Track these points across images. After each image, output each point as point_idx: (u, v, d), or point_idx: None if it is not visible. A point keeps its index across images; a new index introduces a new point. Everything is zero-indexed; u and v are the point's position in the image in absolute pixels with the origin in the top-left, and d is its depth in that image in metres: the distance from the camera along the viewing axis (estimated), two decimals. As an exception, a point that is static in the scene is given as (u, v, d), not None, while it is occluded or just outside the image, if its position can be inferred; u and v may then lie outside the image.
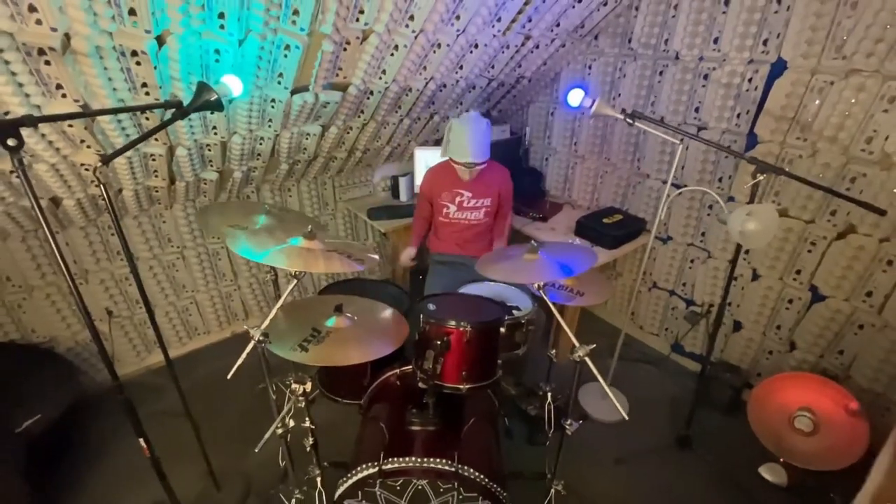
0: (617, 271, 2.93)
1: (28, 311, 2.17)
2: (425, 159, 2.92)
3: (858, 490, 1.59)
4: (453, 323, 1.49)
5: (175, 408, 1.75)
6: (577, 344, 1.35)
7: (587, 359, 1.33)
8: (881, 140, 1.73)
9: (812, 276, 2.04)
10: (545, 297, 1.42)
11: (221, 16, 1.36)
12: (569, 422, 1.51)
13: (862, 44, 1.69)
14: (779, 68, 1.92)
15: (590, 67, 2.65)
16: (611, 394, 1.27)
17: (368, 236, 3.30)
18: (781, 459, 1.98)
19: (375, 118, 2.33)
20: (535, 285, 1.48)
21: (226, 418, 2.29)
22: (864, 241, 1.86)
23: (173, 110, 1.29)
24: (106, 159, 1.19)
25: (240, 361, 1.28)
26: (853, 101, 1.76)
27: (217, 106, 1.36)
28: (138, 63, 1.38)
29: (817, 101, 1.85)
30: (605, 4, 2.24)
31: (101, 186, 1.23)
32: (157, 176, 2.03)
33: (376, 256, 1.44)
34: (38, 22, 1.15)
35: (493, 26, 2.01)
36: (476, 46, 2.10)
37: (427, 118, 2.62)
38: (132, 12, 1.23)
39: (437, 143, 3.05)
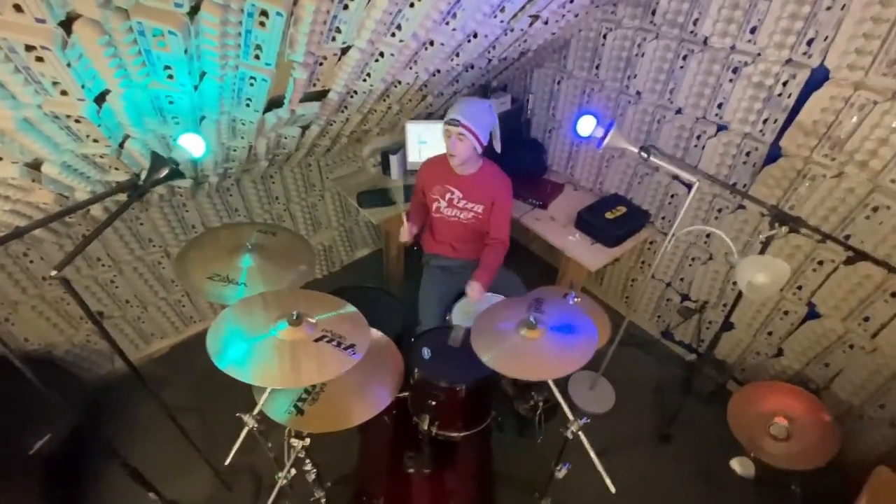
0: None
1: (17, 323, 2.13)
2: (417, 133, 2.70)
3: (817, 483, 1.74)
4: (446, 384, 1.48)
5: (178, 401, 1.78)
6: (571, 418, 1.37)
7: (580, 433, 1.36)
8: (916, 174, 1.58)
9: (813, 293, 2.01)
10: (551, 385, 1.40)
11: (168, 67, 1.13)
12: (559, 466, 1.58)
13: (921, 63, 1.47)
14: (820, 76, 1.68)
15: (604, 37, 2.31)
16: (601, 468, 1.32)
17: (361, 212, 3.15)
18: (752, 454, 2.13)
19: (361, 111, 2.09)
20: None
21: (228, 406, 2.40)
22: (872, 271, 1.80)
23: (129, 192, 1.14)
24: (60, 266, 1.07)
25: (234, 449, 1.29)
26: (895, 125, 1.57)
27: (177, 175, 1.20)
28: (78, 122, 1.18)
29: (854, 119, 1.65)
30: (629, -26, 1.88)
31: (65, 285, 1.14)
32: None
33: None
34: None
35: (495, 17, 1.70)
36: (475, 36, 1.80)
37: (419, 100, 2.35)
38: (56, 84, 1.01)
39: (430, 116, 2.79)
